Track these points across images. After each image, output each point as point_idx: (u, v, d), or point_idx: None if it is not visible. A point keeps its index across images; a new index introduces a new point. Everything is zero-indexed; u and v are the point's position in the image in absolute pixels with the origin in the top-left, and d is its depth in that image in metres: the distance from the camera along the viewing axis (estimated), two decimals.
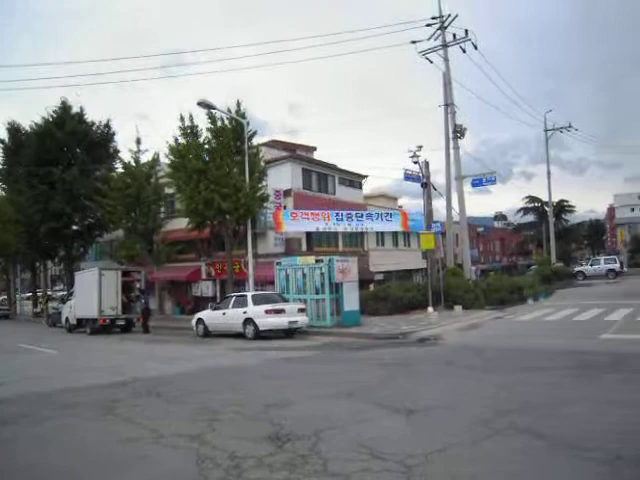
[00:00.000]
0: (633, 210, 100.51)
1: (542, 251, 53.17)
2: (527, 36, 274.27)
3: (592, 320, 16.67)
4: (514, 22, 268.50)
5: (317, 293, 19.41)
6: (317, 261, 19.78)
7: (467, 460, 4.97)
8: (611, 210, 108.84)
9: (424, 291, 21.88)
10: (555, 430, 5.68)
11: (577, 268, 47.39)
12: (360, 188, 38.09)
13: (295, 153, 33.65)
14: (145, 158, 31.48)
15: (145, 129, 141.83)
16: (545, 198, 48.50)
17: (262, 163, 26.08)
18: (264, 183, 25.86)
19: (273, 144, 34.66)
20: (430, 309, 20.28)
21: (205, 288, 32.74)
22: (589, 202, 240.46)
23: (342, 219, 28.00)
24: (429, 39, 27.00)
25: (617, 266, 44.70)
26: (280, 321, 17.19)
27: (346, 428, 6.18)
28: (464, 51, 26.93)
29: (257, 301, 17.93)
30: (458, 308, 21.14)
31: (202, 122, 24.98)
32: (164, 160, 27.11)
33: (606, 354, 10.45)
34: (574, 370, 9.13)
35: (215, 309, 19.68)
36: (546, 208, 49.00)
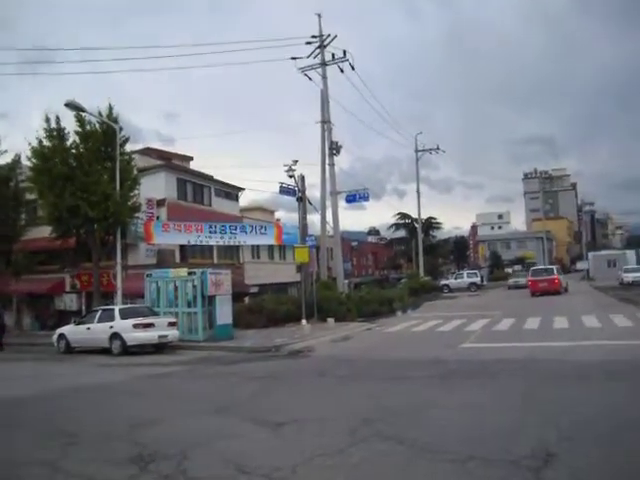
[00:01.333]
0: (493, 228, 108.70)
1: (412, 265, 55.73)
2: (402, 60, 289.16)
3: (454, 330, 17.67)
4: (391, 45, 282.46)
5: (189, 306, 18.94)
6: (190, 273, 19.32)
7: (333, 469, 5.06)
8: (474, 228, 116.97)
9: (298, 304, 22.05)
10: (416, 435, 5.93)
11: (443, 281, 50.18)
12: (237, 200, 37.83)
13: (170, 162, 32.73)
14: (3, 160, 29.07)
15: (4, 129, 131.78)
16: (415, 215, 51.10)
17: (135, 171, 25.08)
18: (136, 192, 24.88)
19: (147, 152, 33.45)
20: (304, 322, 20.48)
21: (69, 301, 30.68)
22: (455, 220, 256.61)
23: (215, 232, 27.63)
24: (308, 57, 27.52)
25: (478, 280, 47.99)
26: (149, 335, 16.54)
27: (214, 444, 6.05)
28: (342, 71, 27.74)
29: (125, 315, 17.14)
30: (331, 320, 21.54)
31: (70, 124, 23.56)
32: (26, 163, 25.24)
33: (464, 362, 11.12)
34: (436, 378, 9.61)
35: (79, 324, 18.58)
36: (416, 224, 51.60)
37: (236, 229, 29.09)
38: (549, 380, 8.87)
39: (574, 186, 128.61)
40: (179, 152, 36.80)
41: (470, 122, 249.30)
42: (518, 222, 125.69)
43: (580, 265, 78.18)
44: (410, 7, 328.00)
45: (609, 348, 11.86)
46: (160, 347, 17.18)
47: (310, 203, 27.51)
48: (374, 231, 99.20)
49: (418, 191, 48.12)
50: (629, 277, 39.30)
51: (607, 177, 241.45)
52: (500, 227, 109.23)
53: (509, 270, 72.21)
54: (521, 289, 40.98)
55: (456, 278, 50.16)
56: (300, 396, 8.95)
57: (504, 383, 8.95)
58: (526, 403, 7.30)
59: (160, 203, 28.75)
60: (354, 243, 66.28)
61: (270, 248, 39.83)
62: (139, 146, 33.20)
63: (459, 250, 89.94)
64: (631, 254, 59.17)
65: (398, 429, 6.25)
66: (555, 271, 37.49)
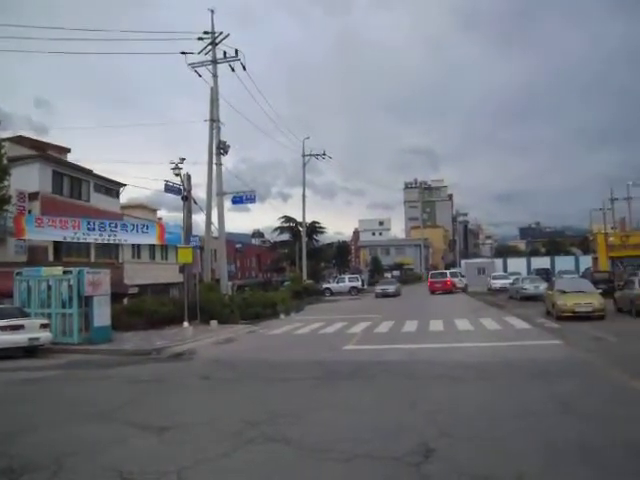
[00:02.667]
0: (374, 234, 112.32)
1: (295, 268, 56.27)
2: (293, 65, 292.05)
3: (336, 333, 18.10)
4: (283, 50, 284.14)
5: (64, 307, 17.85)
6: (65, 272, 18.25)
7: (218, 472, 5.08)
8: (356, 233, 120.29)
9: (180, 306, 21.53)
10: (301, 436, 6.05)
11: (325, 285, 51.13)
12: (118, 197, 36.31)
13: (45, 153, 30.72)
14: None
15: None
16: (300, 218, 51.59)
17: (5, 160, 23.33)
18: (6, 183, 23.14)
19: (20, 140, 31.13)
20: (186, 324, 20.04)
21: None
22: (338, 225, 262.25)
23: (94, 229, 26.38)
24: (199, 53, 27.02)
25: (359, 284, 49.45)
26: (19, 338, 15.40)
27: (93, 452, 5.80)
28: (233, 70, 27.47)
29: None
30: (214, 323, 21.25)
31: None
32: None
33: (346, 363, 11.43)
34: (319, 380, 9.81)
35: None
36: (300, 228, 52.09)
37: (116, 227, 27.94)
38: (426, 380, 9.37)
39: (450, 197, 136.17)
40: (55, 143, 34.64)
41: (355, 130, 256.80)
42: (398, 229, 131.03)
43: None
44: (301, 13, 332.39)
45: (480, 349, 12.74)
46: (31, 351, 16.04)
47: (195, 203, 27.03)
48: (258, 234, 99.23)
49: (304, 195, 48.74)
50: (497, 284, 42.16)
51: (480, 190, 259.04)
52: (381, 233, 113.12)
53: (388, 275, 74.93)
54: (389, 297, 40.43)
55: (338, 282, 51.34)
56: (184, 400, 8.78)
57: (385, 383, 9.32)
58: (406, 402, 7.66)
59: (33, 196, 26.94)
60: (238, 245, 65.80)
61: (152, 248, 38.64)
62: (8, 133, 30.85)
63: (341, 254, 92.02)
64: (499, 262, 63.68)
65: (283, 430, 6.33)
66: (449, 275, 46.22)
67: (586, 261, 53.09)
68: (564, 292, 19.74)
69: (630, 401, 7.30)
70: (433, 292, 42.76)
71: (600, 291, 21.88)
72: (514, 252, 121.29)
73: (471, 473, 4.71)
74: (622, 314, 20.08)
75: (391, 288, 42.47)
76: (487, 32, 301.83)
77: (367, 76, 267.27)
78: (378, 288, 43.61)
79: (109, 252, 33.49)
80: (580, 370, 9.80)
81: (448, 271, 51.16)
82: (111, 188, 35.31)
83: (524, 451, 5.27)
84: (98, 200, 33.11)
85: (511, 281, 37.31)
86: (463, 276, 49.28)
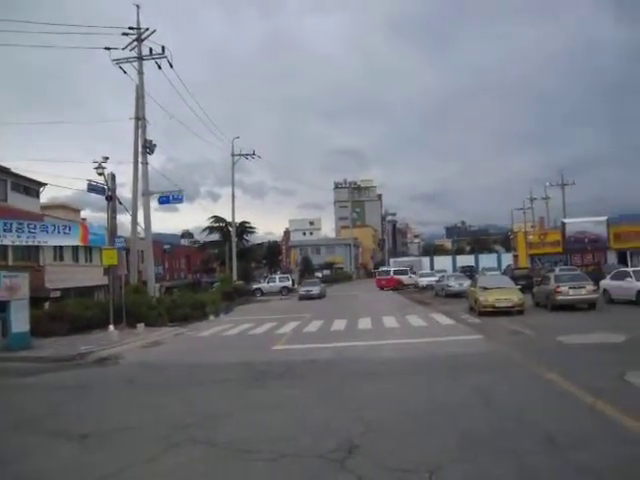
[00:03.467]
0: (304, 234, 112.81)
1: (225, 269, 55.68)
2: (223, 64, 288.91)
3: (266, 333, 18.08)
4: (213, 48, 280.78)
5: None
6: None
7: (142, 478, 5.00)
8: (287, 233, 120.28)
9: (106, 309, 20.89)
10: (229, 438, 6.06)
11: (256, 285, 50.85)
12: (37, 196, 34.87)
13: None
14: None
15: None
16: (229, 218, 51.08)
17: None
18: None
19: None
20: (111, 328, 19.47)
21: None
22: (269, 224, 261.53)
23: (11, 230, 25.05)
24: (124, 49, 26.24)
25: (289, 284, 49.49)
26: None
27: (11, 464, 5.60)
28: (159, 67, 26.83)
29: None
30: (141, 326, 20.75)
31: None
32: None
33: (275, 364, 11.47)
34: (247, 381, 9.80)
35: None
36: (230, 228, 51.57)
37: (35, 228, 26.63)
38: (354, 377, 9.55)
39: (379, 197, 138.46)
40: None
41: (286, 130, 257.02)
42: (328, 229, 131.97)
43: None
44: (234, 12, 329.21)
45: (406, 346, 13.07)
46: None
47: (120, 203, 26.27)
48: (188, 234, 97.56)
49: (233, 195, 48.27)
50: (424, 281, 43.28)
51: (408, 190, 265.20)
52: (311, 233, 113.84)
53: (318, 274, 75.39)
54: (313, 300, 37.29)
55: (268, 282, 51.20)
56: (108, 406, 8.56)
57: (313, 382, 9.42)
58: (334, 400, 7.79)
59: None
60: (167, 246, 64.59)
61: (75, 249, 37.28)
62: None
63: (272, 254, 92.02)
64: (426, 260, 65.53)
65: (211, 433, 6.31)
66: (392, 273, 49.73)
67: (508, 258, 55.42)
68: (486, 289, 20.56)
69: (545, 392, 7.70)
70: (382, 288, 45.79)
71: (519, 287, 23.00)
72: (441, 250, 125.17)
73: (392, 467, 4.87)
74: (539, 308, 21.15)
75: (315, 290, 39.52)
76: (414, 36, 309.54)
77: (298, 77, 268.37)
78: (301, 290, 40.87)
79: (28, 254, 32.06)
80: (499, 363, 10.26)
81: (398, 268, 53.20)
82: (30, 187, 33.86)
83: (443, 443, 5.48)
84: (16, 200, 31.67)
85: (437, 279, 38.40)
86: (414, 273, 50.26)
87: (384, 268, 58.98)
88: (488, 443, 5.44)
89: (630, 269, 23.29)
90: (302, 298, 38.63)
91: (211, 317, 26.05)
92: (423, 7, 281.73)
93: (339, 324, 19.11)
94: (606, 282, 22.83)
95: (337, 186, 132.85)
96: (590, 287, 20.00)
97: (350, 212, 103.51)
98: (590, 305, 19.81)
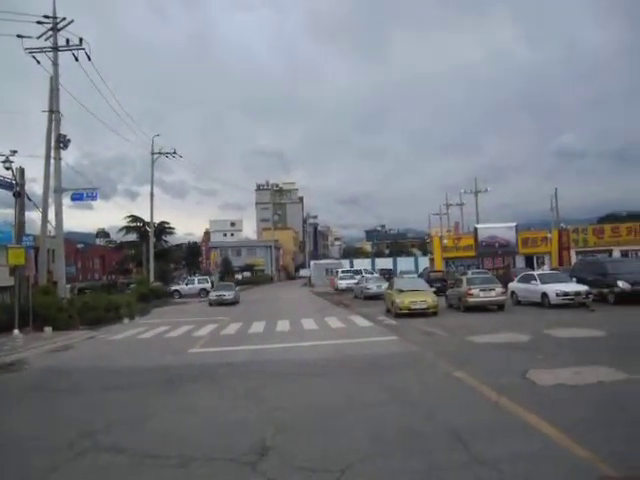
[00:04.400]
0: (225, 235, 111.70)
1: (142, 270, 54.11)
2: (144, 60, 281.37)
3: (182, 336, 17.69)
4: (134, 43, 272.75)
5: None
6: None
7: None
8: (207, 234, 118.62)
9: (10, 311, 19.78)
10: (138, 444, 5.89)
11: (174, 287, 49.74)
12: None
13: None
14: None
15: None
16: (148, 218, 49.60)
17: None
18: None
19: None
20: (16, 332, 18.48)
21: None
22: (188, 225, 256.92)
23: None
24: (39, 37, 24.98)
25: (209, 286, 48.66)
26: None
27: None
28: (77, 59, 25.74)
29: None
30: (48, 329, 19.79)
31: None
32: None
33: (191, 367, 11.25)
34: (161, 385, 9.54)
35: None
36: (148, 228, 50.07)
37: None
38: (270, 379, 9.52)
39: (301, 199, 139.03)
40: None
41: (208, 129, 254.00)
42: (249, 230, 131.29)
43: (303, 272, 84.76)
44: (158, 6, 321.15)
45: (323, 347, 13.18)
46: None
47: (30, 199, 25.01)
48: (103, 233, 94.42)
49: (152, 194, 46.83)
50: (343, 284, 43.80)
51: (330, 193, 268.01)
52: (232, 234, 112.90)
53: (238, 276, 74.78)
54: (226, 306, 32.69)
55: (187, 284, 50.25)
56: (9, 414, 8.10)
57: (228, 385, 9.30)
58: (248, 402, 7.74)
59: None
60: (80, 245, 62.18)
61: None
62: None
63: (192, 256, 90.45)
64: (346, 263, 66.24)
65: (119, 439, 6.12)
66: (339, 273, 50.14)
67: (425, 262, 57.02)
68: (402, 291, 21.08)
69: (454, 390, 7.97)
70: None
71: (434, 289, 23.79)
72: (361, 253, 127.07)
73: (303, 467, 4.88)
74: (453, 310, 21.95)
75: (229, 294, 34.80)
76: (342, 39, 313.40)
77: (222, 75, 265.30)
78: (213, 294, 35.76)
79: None
80: (412, 363, 10.53)
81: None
82: None
83: (355, 442, 5.56)
84: None
85: (356, 281, 38.96)
86: (372, 274, 46.89)
87: (345, 269, 56.37)
88: (398, 441, 5.57)
89: (535, 272, 24.63)
90: (213, 304, 33.79)
91: (125, 320, 25.19)
92: (344, 8, 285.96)
93: (258, 326, 18.99)
94: (514, 285, 24.03)
95: (259, 187, 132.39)
96: (499, 289, 21.01)
97: (272, 214, 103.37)
98: (499, 306, 20.81)
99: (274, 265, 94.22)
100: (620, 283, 20.22)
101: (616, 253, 41.03)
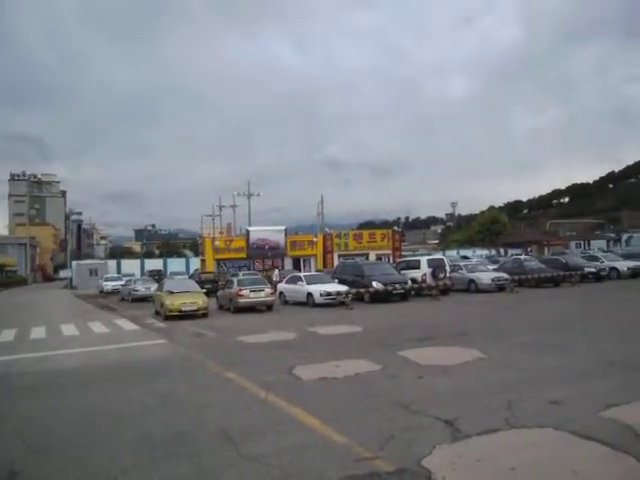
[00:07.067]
0: None
1: None
2: None
3: None
4: None
5: None
6: None
7: None
8: None
9: None
10: None
11: None
12: None
13: None
14: None
15: None
16: None
17: None
18: None
19: None
20: None
21: None
22: None
23: None
24: None
25: None
26: None
27: None
28: None
29: None
30: None
31: None
32: None
33: None
34: None
35: None
36: None
37: None
38: (20, 393, 8.55)
39: (64, 193, 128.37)
40: None
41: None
42: (0, 225, 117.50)
43: (64, 273, 78.20)
44: None
45: (85, 354, 12.24)
46: None
47: None
48: None
49: None
50: (109, 286, 41.53)
51: (96, 188, 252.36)
52: None
53: None
54: None
55: None
56: None
57: None
58: None
59: None
60: None
61: None
62: None
63: None
64: (112, 264, 62.88)
65: None
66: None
67: (196, 263, 56.58)
68: (172, 292, 20.66)
69: (223, 390, 8.04)
70: None
71: (205, 291, 23.77)
72: (129, 253, 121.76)
73: None
74: (224, 311, 22.16)
75: None
76: (109, 29, 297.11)
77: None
78: None
79: None
80: (181, 365, 10.41)
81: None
82: None
83: (121, 453, 5.29)
84: None
85: (123, 283, 37.19)
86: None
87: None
88: (167, 447, 5.41)
89: (302, 274, 26.02)
90: None
91: None
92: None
93: (7, 335, 16.79)
94: (282, 285, 25.11)
95: (14, 177, 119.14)
96: (268, 290, 21.82)
97: (27, 208, 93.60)
98: (268, 307, 21.53)
99: (29, 265, 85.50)
100: (374, 284, 22.48)
101: (372, 257, 45.17)
